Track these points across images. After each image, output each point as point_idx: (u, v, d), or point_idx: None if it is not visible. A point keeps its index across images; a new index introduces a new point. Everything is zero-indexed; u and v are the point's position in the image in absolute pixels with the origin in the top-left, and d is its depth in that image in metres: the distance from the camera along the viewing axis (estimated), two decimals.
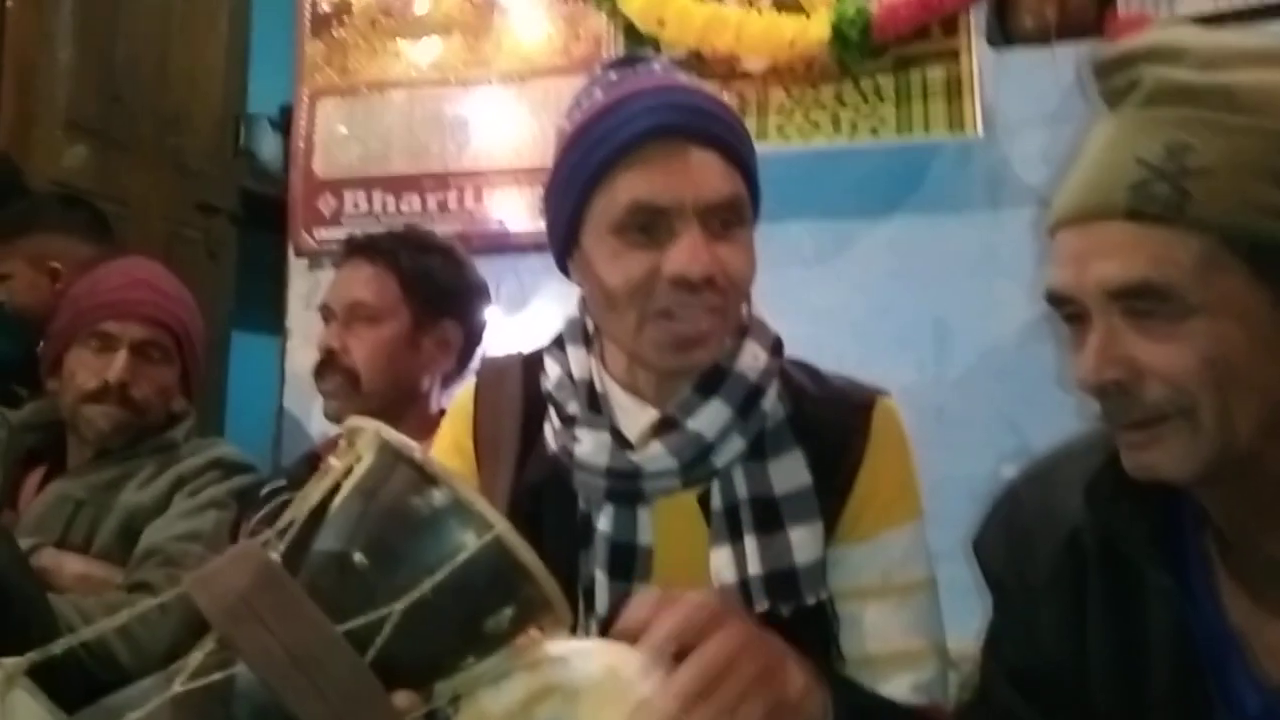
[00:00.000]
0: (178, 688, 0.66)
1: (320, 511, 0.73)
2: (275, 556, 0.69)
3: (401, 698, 0.67)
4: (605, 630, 0.92)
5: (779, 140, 1.86)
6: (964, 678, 1.28)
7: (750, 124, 1.87)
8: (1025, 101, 1.77)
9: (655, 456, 0.94)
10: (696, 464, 0.95)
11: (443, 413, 1.65)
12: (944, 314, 1.78)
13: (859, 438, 0.98)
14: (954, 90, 1.77)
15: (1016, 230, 1.74)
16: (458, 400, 1.11)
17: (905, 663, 0.97)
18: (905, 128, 1.79)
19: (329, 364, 1.56)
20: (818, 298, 1.82)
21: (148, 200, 3.05)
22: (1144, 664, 0.84)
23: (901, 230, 1.83)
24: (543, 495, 1.00)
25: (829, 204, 1.86)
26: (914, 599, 0.99)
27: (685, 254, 0.89)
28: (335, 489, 0.73)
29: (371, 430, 0.72)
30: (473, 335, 1.67)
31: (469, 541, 0.67)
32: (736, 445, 0.95)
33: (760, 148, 1.87)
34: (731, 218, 0.92)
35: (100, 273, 1.68)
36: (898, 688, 0.96)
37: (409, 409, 1.58)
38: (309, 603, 0.66)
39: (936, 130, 1.78)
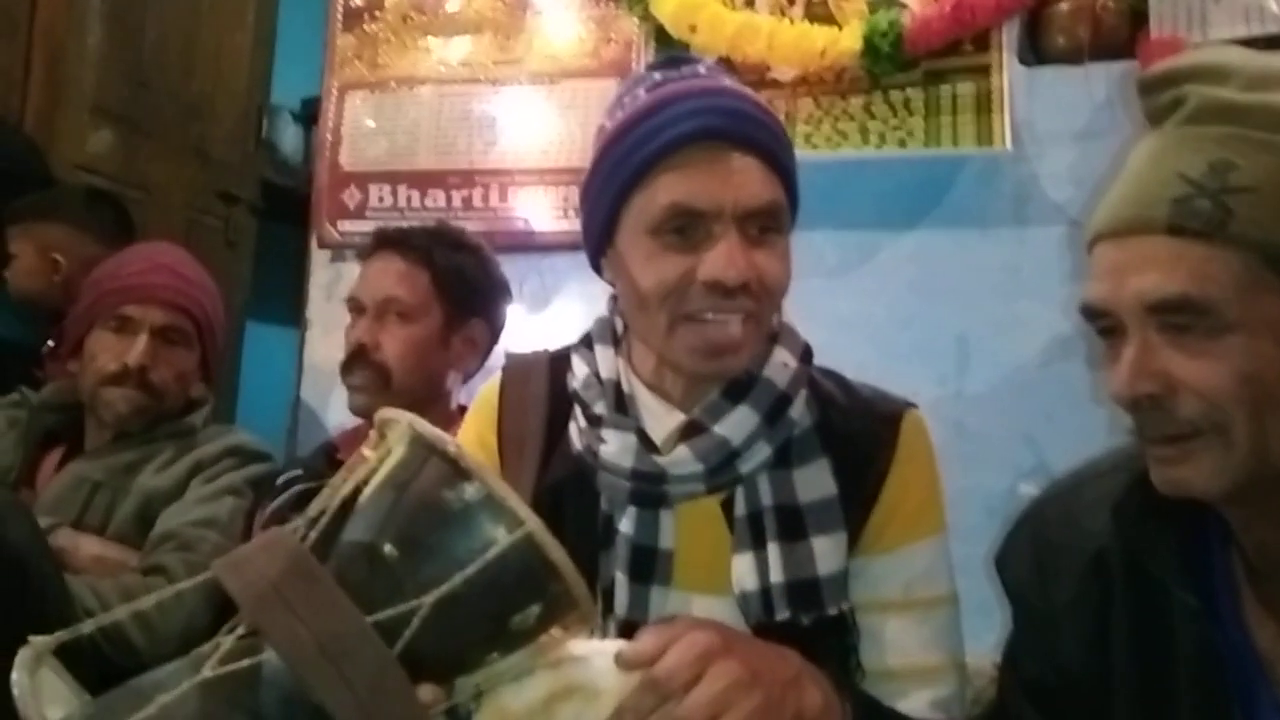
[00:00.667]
0: (207, 673, 0.66)
1: (350, 502, 0.73)
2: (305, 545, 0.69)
3: (425, 691, 0.68)
4: (624, 631, 0.92)
5: (806, 149, 1.85)
6: (977, 693, 1.28)
7: None
8: (1055, 119, 1.76)
9: (681, 460, 0.93)
10: (722, 469, 0.94)
11: (463, 409, 1.66)
12: (966, 329, 1.77)
13: (886, 449, 0.98)
14: (983, 105, 1.76)
15: (1041, 248, 1.74)
16: (482, 395, 1.11)
17: (924, 678, 0.96)
18: (933, 141, 1.79)
19: (359, 358, 1.56)
20: (839, 308, 1.81)
21: (169, 187, 3.06)
22: (1168, 685, 0.84)
23: (925, 243, 1.82)
24: (565, 494, 0.99)
25: (854, 214, 1.85)
26: (936, 614, 0.98)
27: (722, 259, 0.89)
28: (366, 480, 0.73)
29: (404, 423, 0.72)
30: (496, 334, 1.67)
31: (500, 537, 0.67)
32: (763, 452, 0.95)
33: None
34: (769, 224, 0.92)
35: (124, 256, 1.69)
36: (916, 703, 0.95)
37: (433, 405, 1.58)
38: (340, 593, 0.65)
39: (965, 144, 1.77)
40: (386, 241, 1.62)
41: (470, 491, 0.68)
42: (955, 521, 1.57)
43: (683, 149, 0.90)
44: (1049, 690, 0.92)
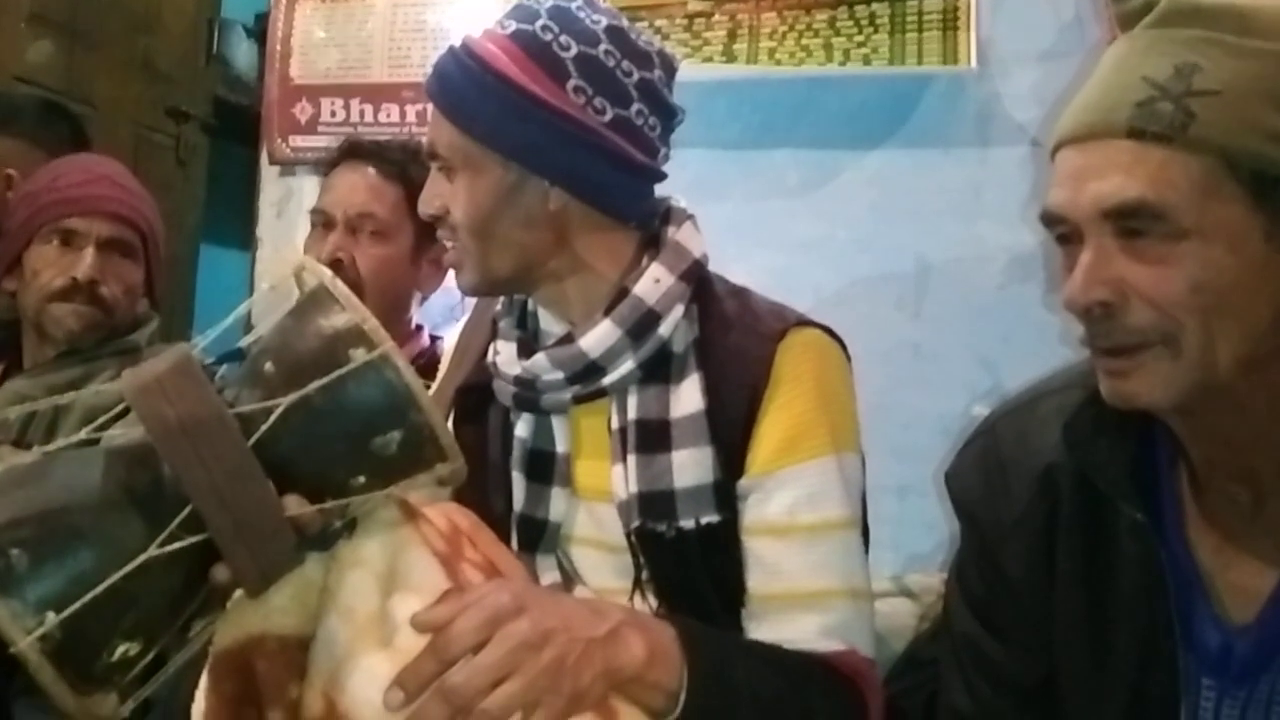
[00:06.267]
0: (84, 435, 0.77)
1: None
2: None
3: (292, 501, 0.73)
4: (523, 526, 1.01)
5: (770, 65, 1.81)
6: (925, 609, 1.30)
7: (742, 47, 1.84)
8: (1020, 37, 1.73)
9: (540, 367, 0.98)
10: (585, 379, 0.98)
11: (420, 328, 1.66)
12: (925, 250, 1.76)
13: (761, 366, 0.96)
14: (950, 22, 1.73)
15: (1003, 169, 1.72)
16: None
17: (810, 603, 0.94)
18: (898, 58, 1.75)
19: (335, 271, 1.51)
20: (799, 229, 1.79)
21: (116, 102, 2.95)
22: (1111, 599, 0.85)
23: (887, 163, 1.79)
24: (482, 399, 1.06)
25: (816, 133, 1.82)
26: (824, 538, 0.95)
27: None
28: None
29: (295, 263, 0.83)
30: None
31: (358, 356, 0.74)
32: (626, 366, 0.97)
33: (750, 72, 1.85)
34: (441, 163, 1.00)
35: (58, 168, 1.62)
36: (803, 630, 0.94)
37: (395, 324, 1.57)
38: (210, 387, 0.73)
39: (930, 62, 1.74)
40: (358, 152, 1.57)
41: (341, 319, 0.75)
42: (909, 442, 1.59)
43: None
44: (994, 604, 0.93)
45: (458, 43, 0.99)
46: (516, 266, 0.99)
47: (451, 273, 1.67)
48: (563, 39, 0.95)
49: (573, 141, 0.95)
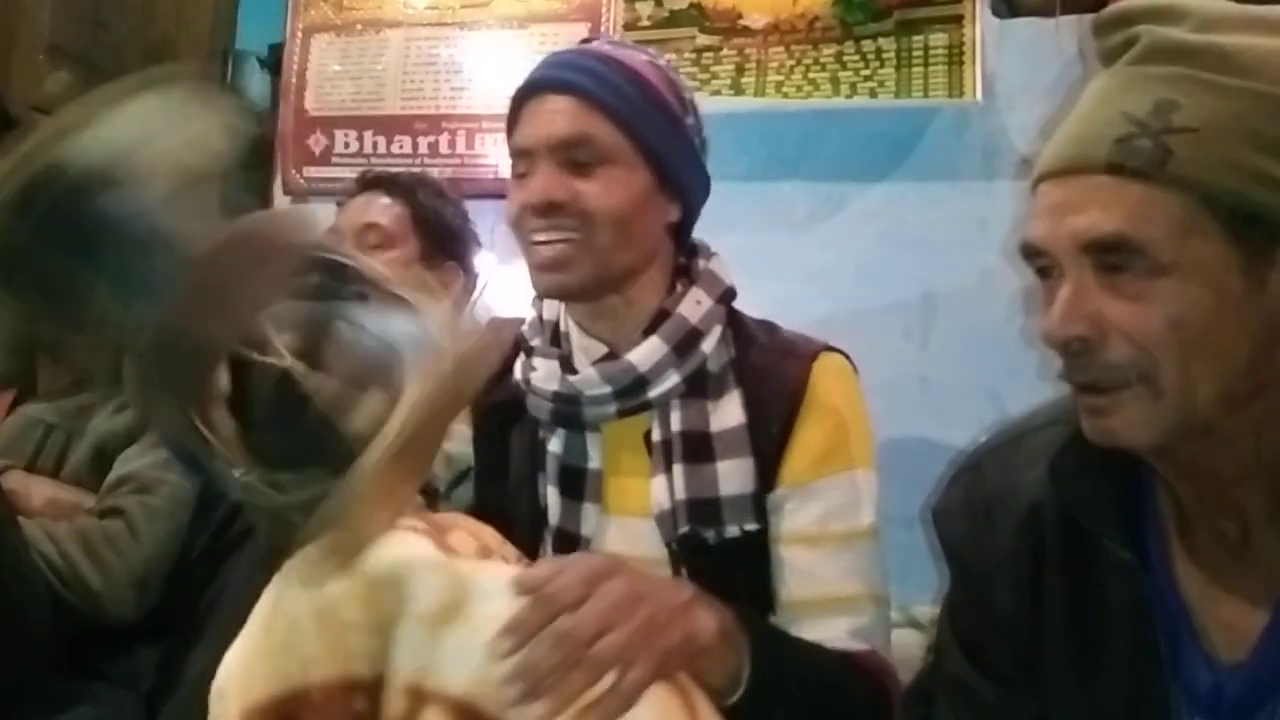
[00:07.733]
0: None
1: None
2: None
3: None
4: (559, 539, 1.04)
5: (777, 98, 1.83)
6: (931, 639, 1.29)
7: (750, 81, 1.86)
8: (1026, 71, 1.75)
9: (590, 381, 1.02)
10: (630, 394, 1.02)
11: None
12: (932, 282, 1.77)
13: (797, 384, 1.03)
14: (955, 56, 1.75)
15: (1009, 202, 1.73)
16: None
17: (841, 607, 1.00)
18: (905, 92, 1.77)
19: None
20: (807, 260, 1.81)
21: None
22: (1099, 638, 0.84)
23: (894, 195, 1.81)
24: (506, 418, 1.10)
25: (823, 165, 1.84)
26: (853, 546, 1.02)
27: (533, 183, 1.01)
28: None
29: None
30: (470, 284, 1.69)
31: None
32: (671, 380, 1.02)
33: (758, 105, 1.87)
34: (584, 153, 1.00)
35: None
36: (833, 632, 0.99)
37: None
38: None
39: (936, 95, 1.76)
40: (373, 182, 1.66)
41: None
42: (916, 473, 1.58)
43: (522, 105, 1.04)
44: (983, 642, 0.92)
45: (575, 49, 1.09)
46: (629, 268, 1.04)
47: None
48: (682, 80, 1.08)
49: (696, 164, 1.07)
